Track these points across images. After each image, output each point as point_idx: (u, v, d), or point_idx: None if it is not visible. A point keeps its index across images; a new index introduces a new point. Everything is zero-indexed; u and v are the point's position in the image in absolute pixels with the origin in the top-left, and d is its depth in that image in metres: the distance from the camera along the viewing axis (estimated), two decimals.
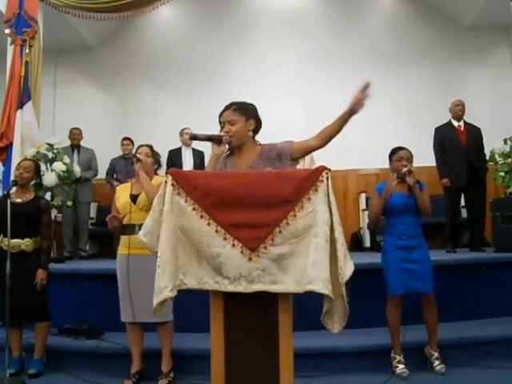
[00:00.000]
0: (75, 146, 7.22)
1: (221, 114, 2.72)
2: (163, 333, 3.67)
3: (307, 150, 2.69)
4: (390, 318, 3.71)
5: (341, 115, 2.58)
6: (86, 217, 7.28)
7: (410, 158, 3.76)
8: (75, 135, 7.28)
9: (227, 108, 2.71)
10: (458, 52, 8.35)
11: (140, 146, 3.86)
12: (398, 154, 3.79)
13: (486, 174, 6.04)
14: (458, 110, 6.15)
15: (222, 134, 2.64)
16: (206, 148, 6.98)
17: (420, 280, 3.62)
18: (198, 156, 7.18)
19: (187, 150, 7.24)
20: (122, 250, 3.66)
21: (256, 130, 2.76)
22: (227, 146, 2.67)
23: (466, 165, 5.91)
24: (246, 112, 2.70)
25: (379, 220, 3.84)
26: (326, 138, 2.63)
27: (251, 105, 2.77)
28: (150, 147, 3.86)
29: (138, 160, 3.69)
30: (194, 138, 2.63)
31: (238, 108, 2.69)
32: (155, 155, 3.87)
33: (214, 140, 2.63)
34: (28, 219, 3.94)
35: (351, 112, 2.55)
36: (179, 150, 7.28)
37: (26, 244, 3.89)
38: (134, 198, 3.66)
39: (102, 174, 7.44)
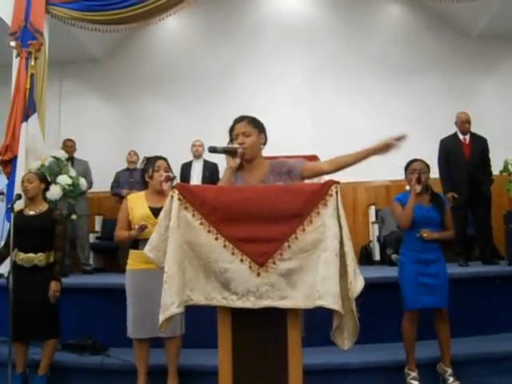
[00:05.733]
0: (69, 158, 6.89)
1: (232, 127, 2.73)
2: (172, 348, 3.59)
3: (318, 173, 2.72)
4: (405, 333, 3.63)
5: (362, 151, 2.61)
6: (85, 230, 7.13)
7: (424, 169, 3.73)
8: (69, 147, 7.05)
9: (239, 120, 2.72)
10: (469, 61, 8.27)
11: (157, 159, 3.73)
12: (411, 167, 3.78)
13: (489, 188, 5.91)
14: (466, 129, 6.00)
15: (237, 146, 2.64)
16: (220, 159, 6.99)
17: (436, 294, 3.55)
18: (209, 168, 7.11)
19: (197, 162, 7.18)
20: (135, 265, 3.52)
21: (264, 145, 2.79)
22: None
23: (468, 180, 5.79)
24: (258, 125, 2.74)
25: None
26: (339, 166, 2.65)
27: (260, 120, 2.80)
28: (167, 160, 3.78)
29: (169, 179, 3.56)
30: (213, 150, 2.62)
31: (250, 121, 2.72)
32: (171, 168, 3.78)
33: (230, 152, 2.64)
34: (41, 232, 3.88)
35: (375, 153, 2.58)
36: (190, 163, 7.22)
37: (39, 259, 3.83)
38: (154, 212, 3.51)
39: (107, 186, 7.36)
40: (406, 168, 3.83)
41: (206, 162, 7.15)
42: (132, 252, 3.60)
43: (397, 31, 8.59)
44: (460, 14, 7.99)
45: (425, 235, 3.60)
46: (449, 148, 6.02)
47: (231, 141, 2.71)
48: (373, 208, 7.69)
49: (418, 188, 3.63)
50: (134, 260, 3.56)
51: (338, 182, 2.15)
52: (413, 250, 3.64)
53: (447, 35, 8.38)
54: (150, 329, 3.38)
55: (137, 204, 3.65)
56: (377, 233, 7.23)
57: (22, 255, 3.81)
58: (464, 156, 5.93)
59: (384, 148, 2.57)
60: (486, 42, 8.16)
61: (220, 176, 7.04)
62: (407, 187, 3.83)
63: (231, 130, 2.72)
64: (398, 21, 8.70)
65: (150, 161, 3.75)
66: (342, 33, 8.60)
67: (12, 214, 3.76)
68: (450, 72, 8.21)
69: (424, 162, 3.79)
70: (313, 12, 8.84)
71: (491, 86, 8.26)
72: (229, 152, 2.64)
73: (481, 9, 7.39)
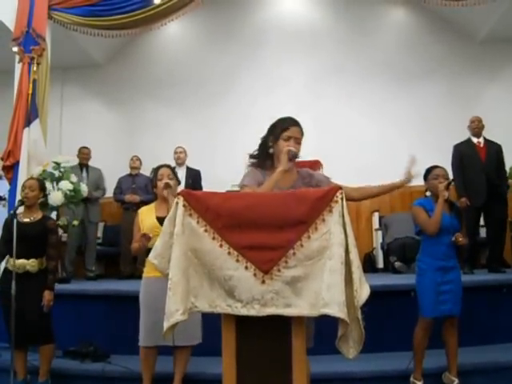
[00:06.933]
0: (84, 166, 7.08)
1: (286, 127, 2.69)
2: (182, 356, 3.57)
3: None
4: (417, 341, 3.59)
5: (388, 185, 2.82)
6: (94, 237, 7.12)
7: (445, 175, 3.74)
8: (85, 155, 7.14)
9: (296, 124, 2.72)
10: (473, 66, 8.19)
11: (160, 167, 3.74)
12: (434, 172, 3.76)
13: (507, 191, 5.89)
14: (475, 127, 6.02)
15: (294, 149, 2.63)
16: (203, 166, 6.95)
17: (451, 301, 3.53)
18: (192, 175, 7.04)
19: (180, 169, 7.06)
20: (150, 272, 3.45)
21: None
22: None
23: (485, 182, 5.75)
24: (303, 135, 2.75)
25: None
26: (366, 195, 2.85)
27: None
28: (171, 168, 3.77)
29: (168, 186, 3.56)
30: (295, 156, 2.62)
31: (302, 130, 2.73)
32: (176, 175, 3.78)
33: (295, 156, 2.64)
34: (35, 239, 3.88)
35: (399, 187, 2.80)
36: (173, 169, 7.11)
37: (31, 265, 3.83)
38: (161, 221, 3.52)
39: (109, 192, 7.31)
40: (426, 174, 3.80)
41: (189, 169, 7.08)
42: (147, 260, 3.58)
43: (399, 35, 8.53)
44: (464, 17, 7.88)
45: (460, 239, 3.58)
46: (463, 152, 5.98)
47: (271, 135, 2.69)
48: (376, 215, 7.65)
49: (447, 194, 3.61)
50: (149, 267, 3.51)
51: (342, 188, 2.13)
52: (436, 258, 3.60)
53: (451, 39, 8.29)
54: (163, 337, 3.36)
55: (146, 216, 3.67)
56: (380, 240, 7.17)
57: (13, 261, 3.77)
58: (480, 159, 5.90)
59: (407, 181, 2.77)
60: (491, 47, 8.07)
61: (202, 183, 7.01)
62: (428, 193, 3.82)
63: (283, 128, 2.69)
64: (401, 24, 8.63)
65: (156, 170, 3.75)
66: (344, 36, 8.54)
67: (15, 220, 3.73)
68: (453, 77, 8.15)
69: (443, 168, 3.80)
70: (315, 16, 8.79)
71: (495, 91, 8.16)
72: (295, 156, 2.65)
73: (486, 12, 7.27)
